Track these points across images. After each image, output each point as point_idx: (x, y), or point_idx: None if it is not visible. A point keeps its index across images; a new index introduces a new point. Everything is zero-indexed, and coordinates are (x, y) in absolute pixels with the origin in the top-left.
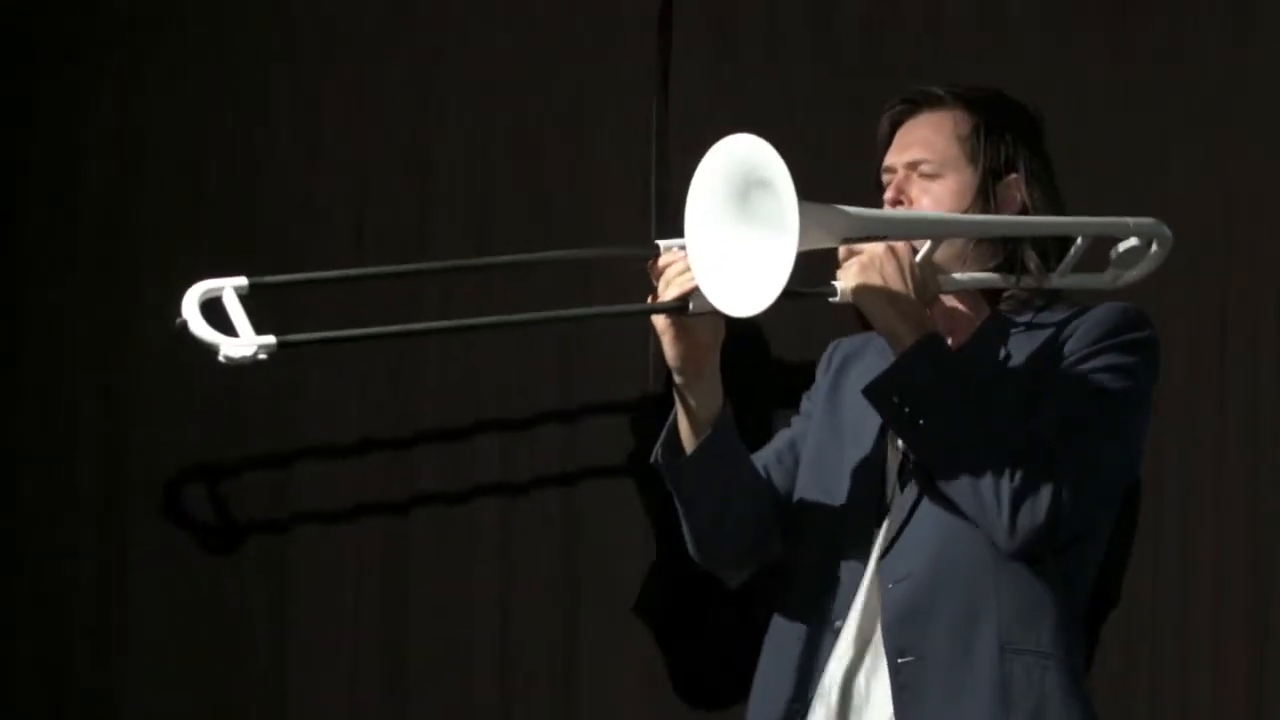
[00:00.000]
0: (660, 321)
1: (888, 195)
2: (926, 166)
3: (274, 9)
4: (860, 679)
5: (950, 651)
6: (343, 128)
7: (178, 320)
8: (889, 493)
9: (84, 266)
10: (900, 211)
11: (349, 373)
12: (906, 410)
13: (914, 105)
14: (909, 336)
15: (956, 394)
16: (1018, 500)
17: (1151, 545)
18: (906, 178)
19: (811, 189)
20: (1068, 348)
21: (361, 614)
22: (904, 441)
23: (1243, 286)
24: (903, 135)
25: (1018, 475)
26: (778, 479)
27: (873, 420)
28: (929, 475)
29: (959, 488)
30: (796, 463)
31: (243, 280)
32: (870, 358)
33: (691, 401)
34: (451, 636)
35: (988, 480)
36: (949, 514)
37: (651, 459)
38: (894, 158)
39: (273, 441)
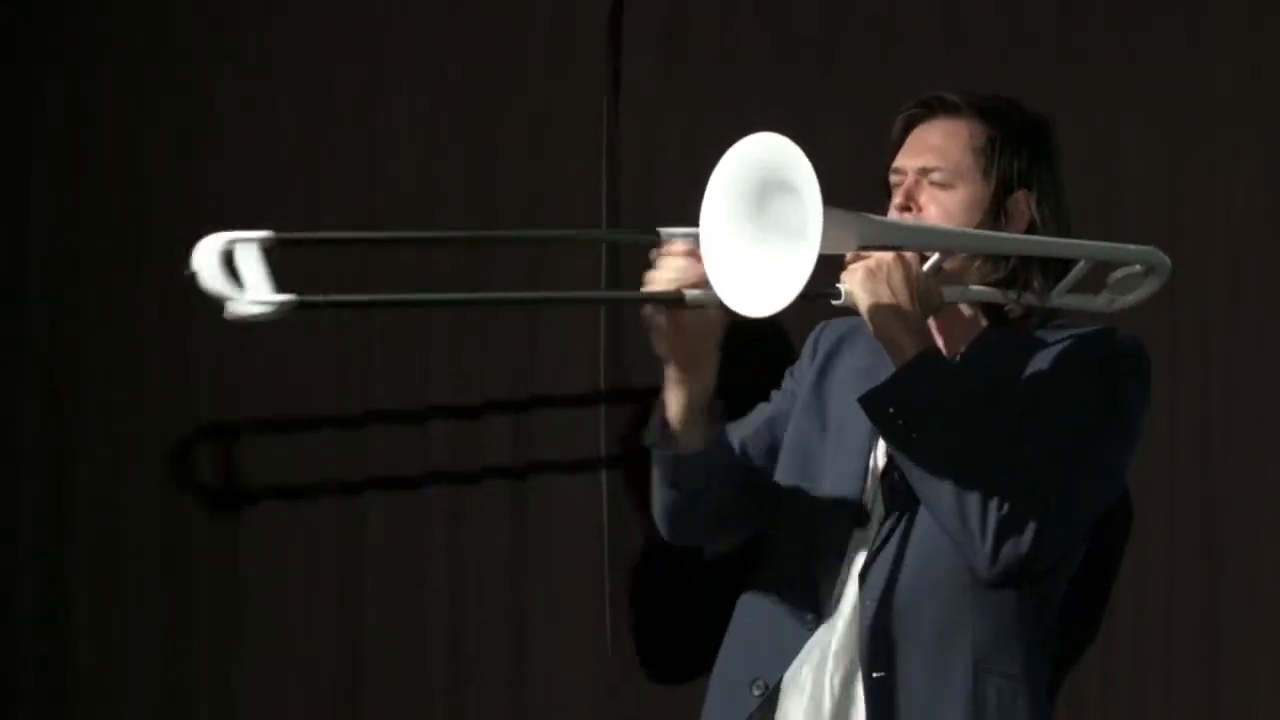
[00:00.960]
0: (648, 310)
1: (897, 200)
2: (938, 175)
3: (218, 4)
4: (832, 679)
5: (925, 670)
6: (292, 125)
7: (186, 271)
8: (869, 495)
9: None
10: (918, 222)
11: (300, 357)
12: (900, 423)
13: (929, 109)
14: (910, 349)
15: (952, 414)
16: (1002, 530)
17: None
18: (917, 183)
19: None
20: (1062, 372)
21: (313, 605)
22: (895, 454)
23: (1191, 288)
24: (915, 139)
25: (1005, 504)
26: (755, 455)
27: (860, 415)
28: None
29: (944, 509)
30: (774, 441)
31: (268, 234)
32: (861, 350)
33: (680, 392)
34: (403, 623)
35: (974, 506)
36: (933, 531)
37: (645, 442)
38: (905, 161)
39: (223, 431)
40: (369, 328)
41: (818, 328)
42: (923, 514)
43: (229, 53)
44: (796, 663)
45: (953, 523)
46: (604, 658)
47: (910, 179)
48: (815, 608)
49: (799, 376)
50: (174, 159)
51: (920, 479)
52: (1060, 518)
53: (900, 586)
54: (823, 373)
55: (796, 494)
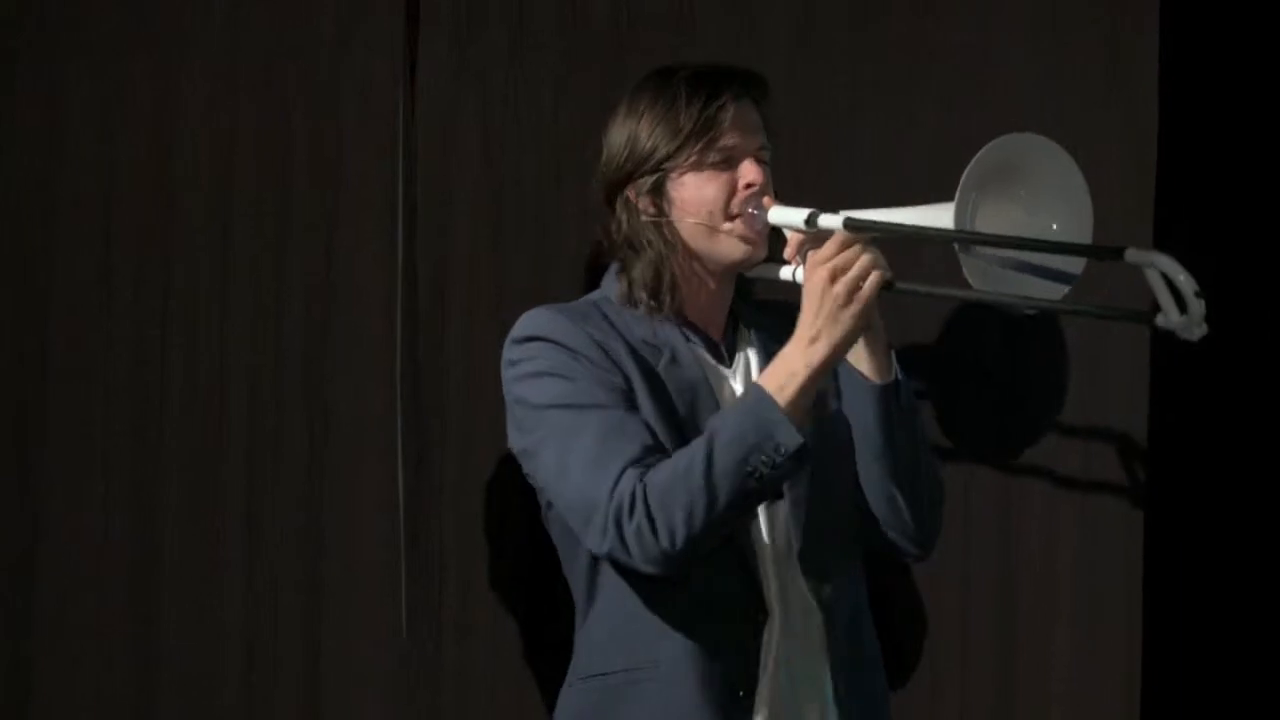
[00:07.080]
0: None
1: (752, 178)
2: (766, 155)
3: (15, 5)
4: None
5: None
6: (86, 123)
7: None
8: None
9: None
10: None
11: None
12: (909, 405)
13: (745, 89)
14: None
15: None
16: (939, 501)
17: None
18: (760, 163)
19: (556, 183)
20: None
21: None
22: (897, 442)
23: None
24: (740, 117)
25: (937, 475)
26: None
27: (702, 403)
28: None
29: (926, 486)
30: None
31: None
32: (683, 350)
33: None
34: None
35: (935, 478)
36: (826, 506)
37: (803, 438)
38: (741, 139)
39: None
40: (161, 324)
41: (554, 315)
42: (820, 497)
43: (28, 50)
44: (767, 665)
45: (933, 495)
46: (398, 639)
47: (751, 159)
48: (760, 605)
49: (610, 374)
50: (145, 154)
51: (910, 460)
52: None
53: (830, 562)
54: (650, 373)
55: None
